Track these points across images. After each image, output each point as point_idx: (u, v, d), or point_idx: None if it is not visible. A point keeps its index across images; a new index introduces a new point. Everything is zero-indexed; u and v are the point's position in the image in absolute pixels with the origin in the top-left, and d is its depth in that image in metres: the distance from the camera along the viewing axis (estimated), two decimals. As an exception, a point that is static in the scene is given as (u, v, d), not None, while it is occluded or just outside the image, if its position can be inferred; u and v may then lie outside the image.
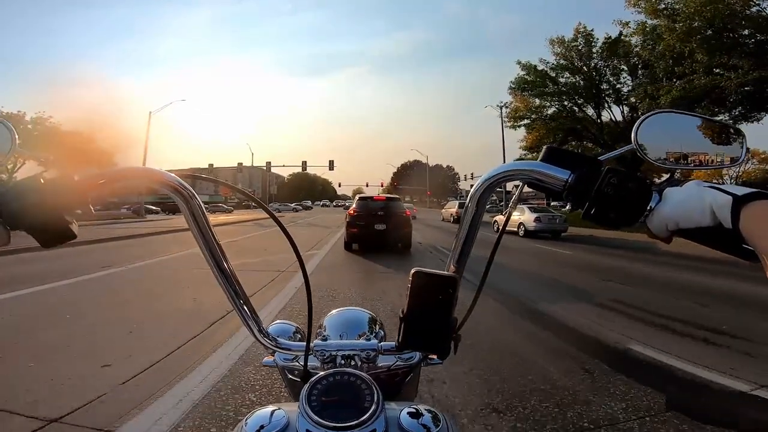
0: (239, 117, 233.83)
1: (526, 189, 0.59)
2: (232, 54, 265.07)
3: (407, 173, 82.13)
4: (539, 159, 0.50)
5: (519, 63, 25.86)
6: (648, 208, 0.45)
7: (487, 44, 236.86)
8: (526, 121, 27.13)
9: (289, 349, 0.67)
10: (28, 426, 2.06)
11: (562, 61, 24.42)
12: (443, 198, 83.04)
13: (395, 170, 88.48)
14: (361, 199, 11.21)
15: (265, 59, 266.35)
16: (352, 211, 10.65)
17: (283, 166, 39.90)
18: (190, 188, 0.53)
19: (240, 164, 35.78)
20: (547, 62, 24.85)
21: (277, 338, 0.67)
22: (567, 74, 24.75)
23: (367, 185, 59.27)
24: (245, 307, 0.62)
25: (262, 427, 0.50)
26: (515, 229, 16.37)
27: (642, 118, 0.50)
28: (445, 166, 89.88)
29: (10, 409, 2.21)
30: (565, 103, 25.46)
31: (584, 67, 24.02)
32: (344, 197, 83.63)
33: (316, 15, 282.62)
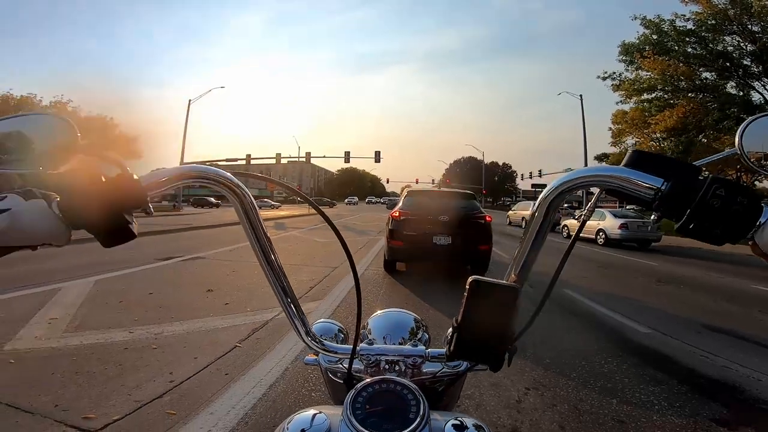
0: (287, 113, 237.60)
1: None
2: (282, 53, 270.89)
3: (460, 171, 77.14)
4: (624, 164, 0.45)
5: (639, 18, 19.94)
6: (757, 223, 0.40)
7: (541, 38, 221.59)
8: (656, 93, 20.80)
9: (335, 352, 0.65)
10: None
11: (711, 21, 18.05)
12: (497, 198, 78.83)
13: (447, 167, 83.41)
14: (412, 194, 7.01)
15: (313, 57, 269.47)
16: (397, 214, 6.55)
17: (324, 157, 36.74)
18: (244, 187, 0.54)
19: (278, 155, 33.36)
20: (688, 18, 18.74)
21: (323, 340, 0.66)
22: (711, 35, 18.46)
23: (417, 181, 54.69)
24: (292, 306, 0.62)
25: (303, 430, 0.51)
26: (593, 237, 14.01)
27: (749, 120, 0.45)
28: (501, 163, 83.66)
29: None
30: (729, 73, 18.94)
31: (749, 27, 17.54)
32: (393, 194, 79.73)
33: (364, 13, 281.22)
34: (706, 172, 0.42)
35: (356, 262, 4.67)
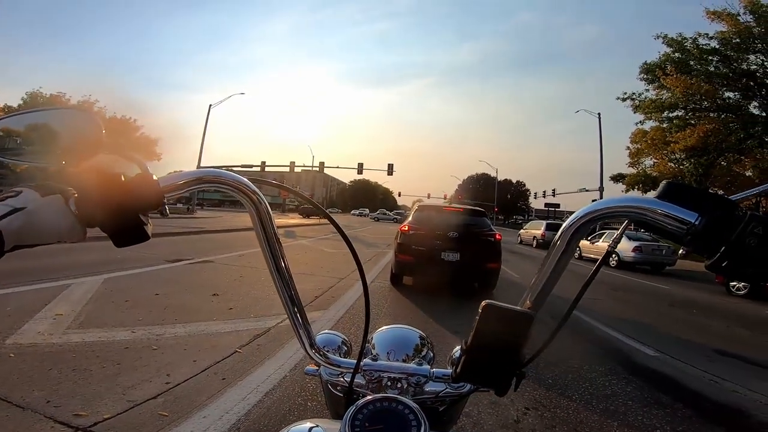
0: (304, 122, 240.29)
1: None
2: (302, 62, 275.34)
3: (473, 187, 76.92)
4: (655, 195, 0.43)
5: (662, 37, 19.81)
6: None
7: (562, 55, 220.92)
8: (678, 112, 20.56)
9: (338, 366, 0.65)
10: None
11: (735, 39, 17.87)
12: (509, 216, 78.24)
13: (460, 183, 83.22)
14: (423, 209, 6.99)
15: (333, 68, 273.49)
16: (406, 228, 6.52)
17: (337, 167, 36.95)
18: (261, 194, 0.55)
19: (292, 163, 33.65)
20: (712, 36, 18.62)
21: (327, 353, 0.66)
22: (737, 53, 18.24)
23: (428, 196, 54.72)
24: (298, 316, 0.62)
25: None
26: None
27: None
28: (514, 181, 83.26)
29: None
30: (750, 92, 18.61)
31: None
32: (404, 208, 79.76)
33: (387, 25, 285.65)
34: (744, 208, 0.40)
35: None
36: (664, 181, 0.44)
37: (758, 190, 0.43)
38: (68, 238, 0.44)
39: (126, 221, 0.45)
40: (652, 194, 0.45)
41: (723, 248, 0.38)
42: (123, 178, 0.45)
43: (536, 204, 62.24)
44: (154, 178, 0.46)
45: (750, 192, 0.44)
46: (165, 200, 0.48)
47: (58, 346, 2.98)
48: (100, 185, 0.44)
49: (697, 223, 0.40)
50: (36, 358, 2.72)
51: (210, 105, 30.30)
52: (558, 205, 44.37)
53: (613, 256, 13.56)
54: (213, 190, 0.53)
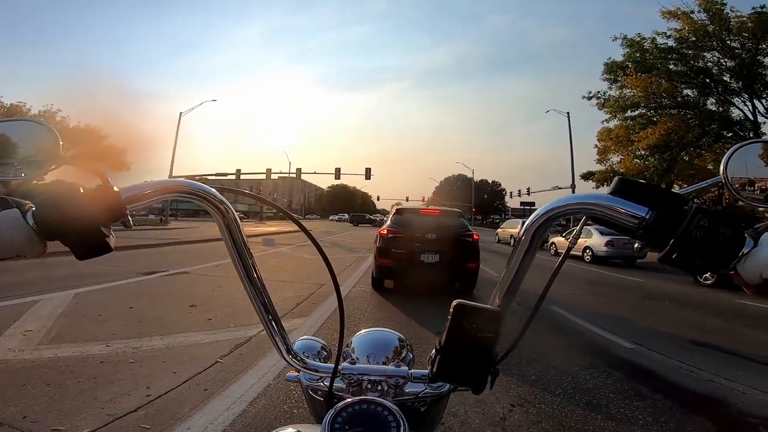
0: (279, 128, 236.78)
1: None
2: (276, 67, 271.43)
3: (450, 188, 77.83)
4: (609, 191, 0.45)
5: (621, 39, 20.43)
6: (739, 254, 0.39)
7: (534, 57, 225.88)
8: (640, 111, 21.12)
9: (317, 370, 0.66)
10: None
11: (692, 38, 18.54)
12: (487, 216, 79.57)
13: (437, 184, 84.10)
14: (400, 212, 7.05)
15: (308, 72, 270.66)
16: (385, 231, 6.57)
17: (314, 173, 36.78)
18: (228, 203, 0.53)
19: (269, 170, 33.28)
20: (669, 35, 19.30)
21: (305, 358, 0.67)
22: (693, 52, 18.98)
23: (407, 199, 54.93)
24: (273, 324, 0.62)
25: None
26: (579, 254, 14.27)
27: (735, 147, 0.45)
28: (490, 181, 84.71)
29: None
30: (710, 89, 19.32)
31: (728, 43, 17.95)
32: (383, 212, 79.82)
33: (361, 30, 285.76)
34: (695, 200, 0.42)
35: (344, 279, 4.64)
36: (616, 178, 0.46)
37: (705, 184, 0.46)
38: (27, 252, 0.44)
39: (86, 234, 0.43)
40: (606, 190, 0.46)
41: (672, 241, 0.40)
42: (82, 190, 0.44)
43: (512, 203, 63.30)
44: (116, 189, 0.45)
45: (697, 186, 0.46)
46: (128, 212, 0.46)
47: (30, 362, 2.89)
48: (58, 198, 0.43)
49: (647, 217, 0.42)
50: (8, 375, 2.65)
51: (180, 113, 29.70)
52: (533, 203, 45.26)
53: (587, 251, 13.93)
54: (186, 200, 0.52)
